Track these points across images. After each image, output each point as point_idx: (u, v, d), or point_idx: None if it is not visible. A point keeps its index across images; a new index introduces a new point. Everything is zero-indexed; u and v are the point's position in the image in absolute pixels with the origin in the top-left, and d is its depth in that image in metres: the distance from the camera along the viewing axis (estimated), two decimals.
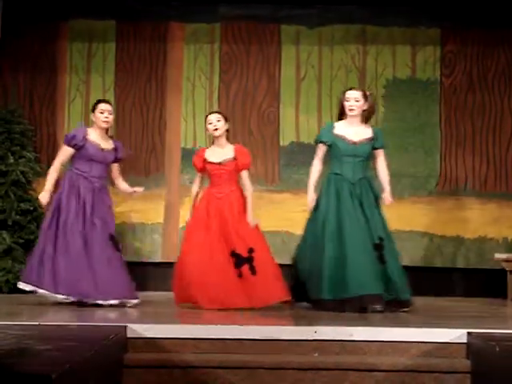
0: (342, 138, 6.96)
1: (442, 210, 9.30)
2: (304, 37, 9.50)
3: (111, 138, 7.28)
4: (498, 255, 8.92)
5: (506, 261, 8.70)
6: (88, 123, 9.33)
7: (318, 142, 7.15)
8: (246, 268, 6.89)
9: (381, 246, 6.83)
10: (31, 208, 8.70)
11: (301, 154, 8.88)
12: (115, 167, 7.24)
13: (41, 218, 8.75)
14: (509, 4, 9.10)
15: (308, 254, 6.97)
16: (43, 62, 9.47)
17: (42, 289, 6.77)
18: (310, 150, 9.24)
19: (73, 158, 7.04)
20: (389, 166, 9.28)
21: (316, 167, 7.10)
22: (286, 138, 9.40)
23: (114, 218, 7.12)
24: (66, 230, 6.83)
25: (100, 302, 6.70)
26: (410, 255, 9.20)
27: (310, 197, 7.02)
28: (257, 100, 9.48)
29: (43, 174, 9.10)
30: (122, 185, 7.35)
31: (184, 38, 9.55)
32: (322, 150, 7.08)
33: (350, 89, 7.11)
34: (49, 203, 7.04)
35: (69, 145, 7.00)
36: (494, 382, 4.42)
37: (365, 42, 9.49)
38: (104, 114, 7.02)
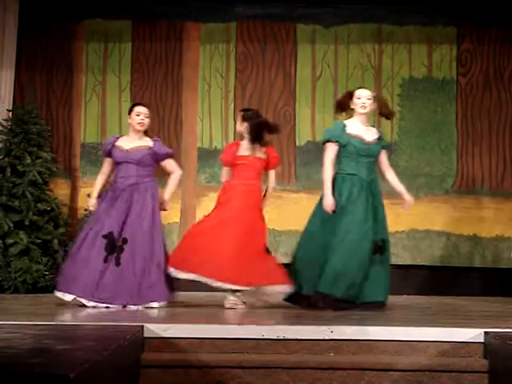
0: (357, 138, 6.90)
1: (458, 209, 9.28)
2: (320, 36, 9.50)
3: (152, 138, 7.29)
4: None
5: None
6: (105, 123, 9.46)
7: (329, 141, 6.93)
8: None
9: (383, 249, 6.85)
10: (48, 208, 8.75)
11: (317, 153, 8.81)
12: (166, 165, 7.25)
13: (58, 218, 8.84)
14: None
15: (303, 247, 7.03)
16: (60, 62, 9.51)
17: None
18: None
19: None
20: (405, 165, 9.29)
21: (330, 171, 6.90)
22: (302, 137, 9.42)
23: (145, 214, 6.99)
24: (84, 233, 7.00)
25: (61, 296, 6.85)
26: (426, 254, 9.20)
27: (330, 200, 6.79)
28: (273, 99, 9.49)
29: (60, 175, 9.19)
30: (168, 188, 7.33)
31: (200, 37, 9.56)
32: (334, 150, 6.91)
33: (360, 87, 7.13)
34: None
35: (103, 155, 7.32)
36: (511, 381, 4.40)
37: (381, 41, 9.48)
38: (140, 116, 7.12)
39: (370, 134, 6.97)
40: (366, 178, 6.87)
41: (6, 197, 8.66)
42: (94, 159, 9.41)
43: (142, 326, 5.06)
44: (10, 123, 8.99)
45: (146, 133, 7.24)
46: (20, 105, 9.19)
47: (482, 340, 5.01)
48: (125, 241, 6.86)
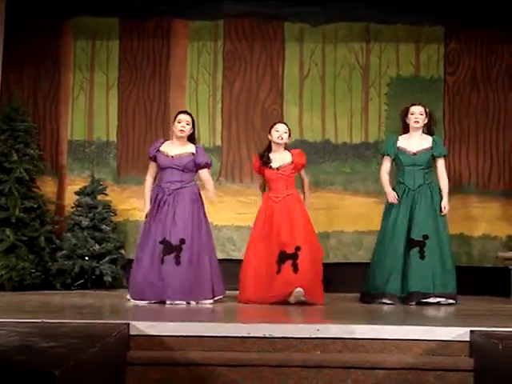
0: (403, 151, 7.77)
1: None
2: (307, 34, 9.49)
3: (195, 145, 7.59)
4: (501, 253, 8.92)
5: (510, 259, 8.70)
6: (92, 120, 9.45)
7: (383, 154, 7.98)
8: (288, 264, 7.15)
9: (422, 243, 7.53)
10: (35, 205, 8.72)
11: (305, 151, 8.78)
12: (201, 174, 7.53)
13: (44, 216, 8.81)
14: None
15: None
16: (47, 59, 9.47)
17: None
18: (313, 148, 9.27)
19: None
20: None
21: (384, 176, 7.88)
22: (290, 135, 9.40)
23: (189, 220, 7.27)
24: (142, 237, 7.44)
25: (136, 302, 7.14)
26: None
27: (390, 192, 7.76)
28: (260, 97, 9.48)
29: (47, 172, 9.16)
30: (208, 192, 7.58)
31: (187, 35, 9.54)
32: (386, 160, 7.92)
33: (414, 104, 7.84)
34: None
35: (149, 158, 7.60)
36: (496, 379, 4.42)
37: (368, 40, 9.48)
38: (181, 123, 7.44)
39: (418, 145, 7.76)
40: (411, 185, 7.71)
41: None
42: (81, 156, 9.39)
43: (128, 324, 5.06)
44: None
45: (190, 139, 7.55)
46: (7, 102, 9.15)
47: (468, 338, 5.03)
48: (183, 241, 7.17)
